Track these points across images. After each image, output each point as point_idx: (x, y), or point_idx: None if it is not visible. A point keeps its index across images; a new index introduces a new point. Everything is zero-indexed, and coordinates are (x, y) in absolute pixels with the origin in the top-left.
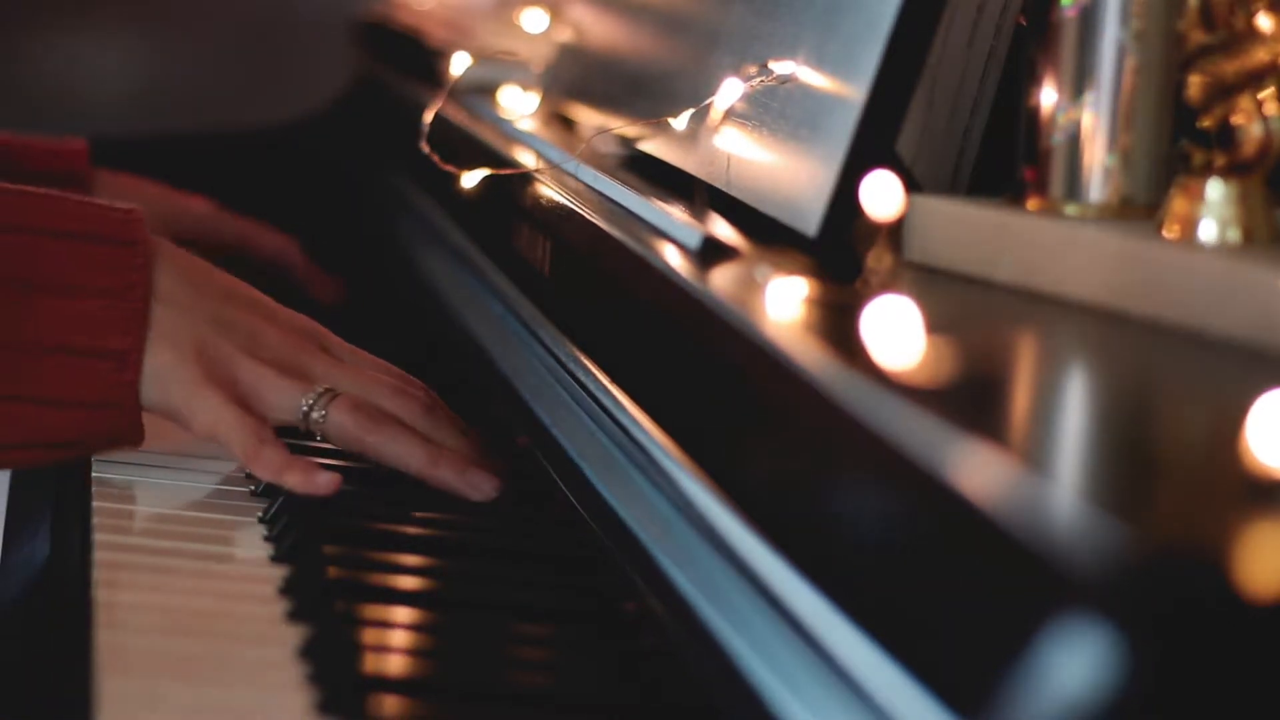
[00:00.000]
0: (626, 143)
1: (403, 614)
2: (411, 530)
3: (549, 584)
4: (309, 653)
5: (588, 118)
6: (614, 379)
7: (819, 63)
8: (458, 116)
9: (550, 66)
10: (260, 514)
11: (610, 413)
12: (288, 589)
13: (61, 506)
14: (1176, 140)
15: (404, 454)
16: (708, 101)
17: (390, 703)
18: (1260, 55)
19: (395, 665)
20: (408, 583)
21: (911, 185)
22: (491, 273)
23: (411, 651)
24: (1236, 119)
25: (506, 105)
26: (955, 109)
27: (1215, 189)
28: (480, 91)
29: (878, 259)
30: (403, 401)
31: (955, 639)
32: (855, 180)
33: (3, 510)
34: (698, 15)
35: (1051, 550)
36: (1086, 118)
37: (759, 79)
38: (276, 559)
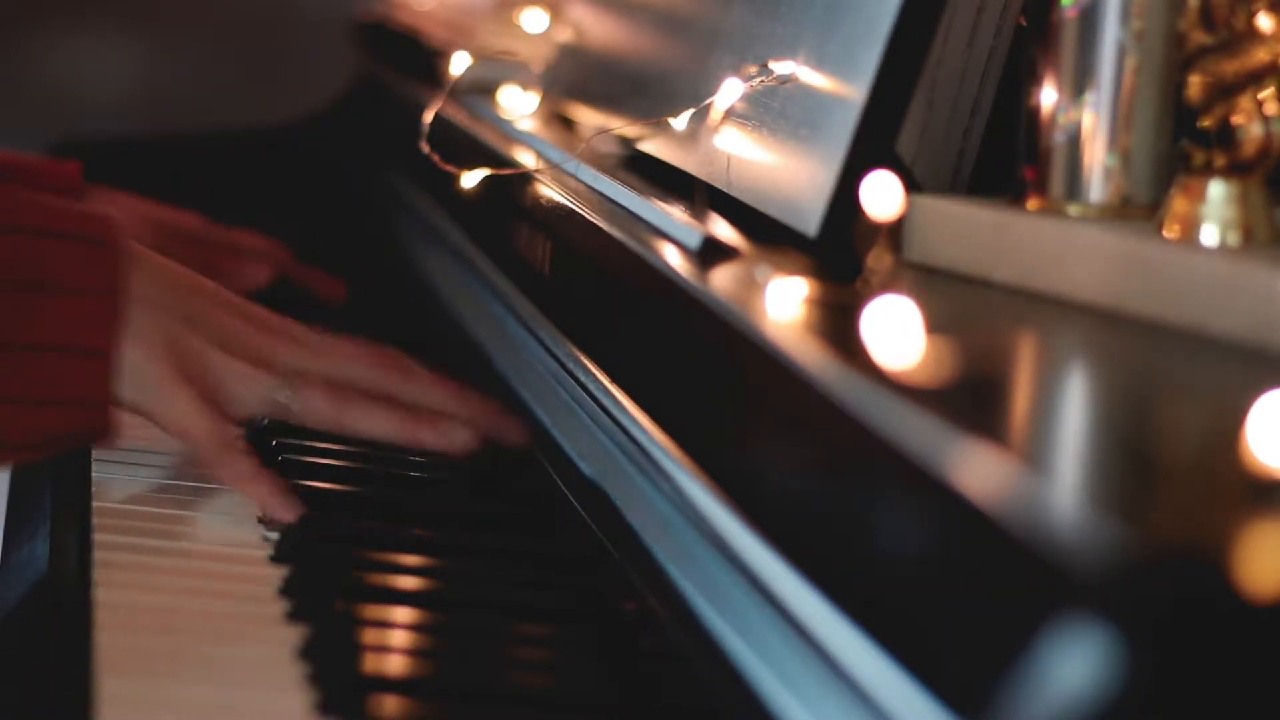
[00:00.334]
0: (626, 143)
1: (403, 614)
2: (411, 530)
3: (549, 584)
4: (309, 653)
5: (588, 118)
6: (614, 379)
7: (819, 63)
8: (458, 116)
9: (550, 66)
10: (260, 514)
11: (610, 413)
12: (288, 589)
13: (61, 507)
14: (1176, 140)
15: (378, 424)
16: (708, 101)
17: (390, 703)
18: (1260, 55)
19: (395, 665)
20: (408, 583)
21: (911, 185)
22: (491, 273)
23: (411, 651)
24: (1236, 119)
25: (506, 105)
26: (955, 109)
27: (1215, 189)
28: (480, 91)
29: (878, 259)
30: (376, 373)
31: (956, 640)
32: (855, 180)
33: (2, 510)
34: (698, 15)
35: (1051, 550)
36: (1087, 118)
37: (759, 79)
38: (276, 559)
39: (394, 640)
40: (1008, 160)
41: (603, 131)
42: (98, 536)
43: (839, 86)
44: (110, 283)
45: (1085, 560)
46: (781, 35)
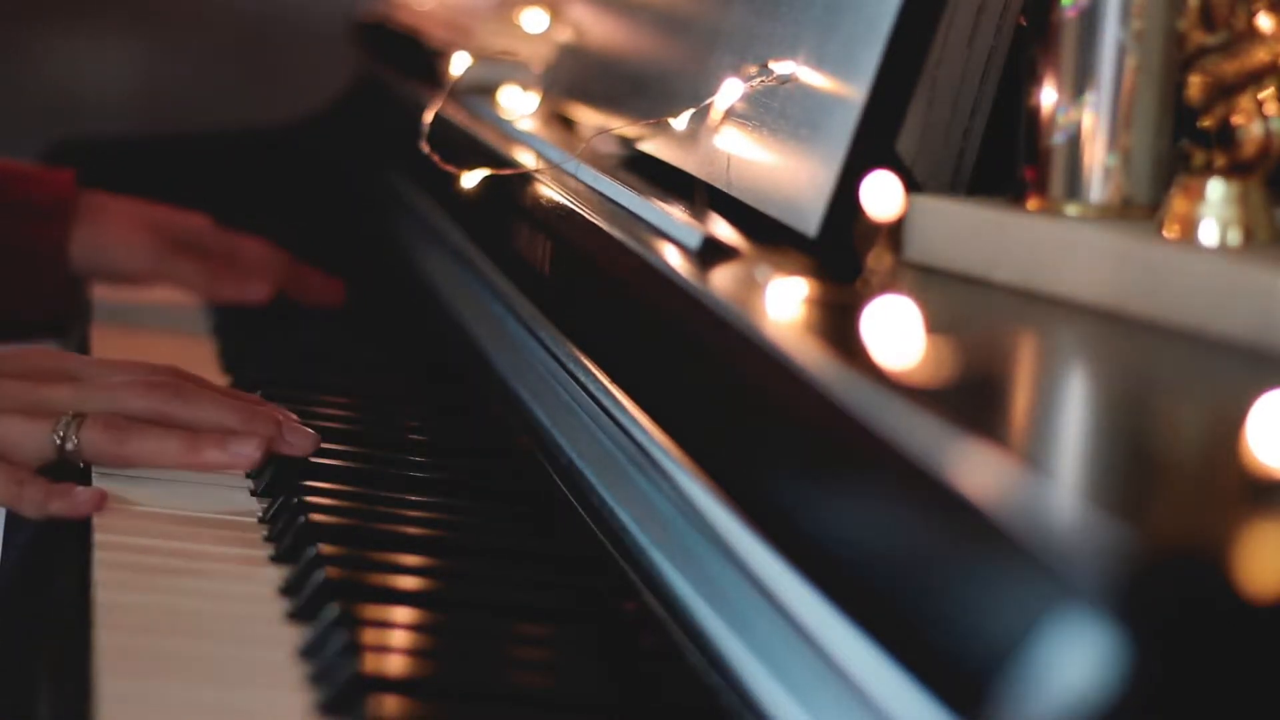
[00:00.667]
0: (626, 143)
1: (403, 614)
2: (411, 530)
3: (549, 584)
4: (309, 653)
5: (588, 118)
6: (614, 379)
7: (819, 63)
8: (458, 116)
9: (550, 66)
10: (260, 514)
11: (610, 413)
12: (288, 589)
13: None
14: (1176, 140)
15: (161, 451)
16: (708, 101)
17: (390, 703)
18: (1260, 55)
19: (395, 665)
20: (408, 583)
21: (911, 185)
22: (491, 273)
23: (411, 651)
24: (1236, 119)
25: (506, 105)
26: (955, 109)
27: (1215, 189)
28: (480, 91)
29: (878, 259)
30: (152, 396)
31: (955, 639)
32: (855, 180)
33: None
34: (698, 15)
35: (1051, 550)
36: (1087, 118)
37: (759, 79)
38: (276, 559)
39: (394, 640)
40: (1008, 160)
41: (603, 131)
42: (98, 536)
43: (839, 86)
44: None
45: (1085, 560)
46: (781, 35)
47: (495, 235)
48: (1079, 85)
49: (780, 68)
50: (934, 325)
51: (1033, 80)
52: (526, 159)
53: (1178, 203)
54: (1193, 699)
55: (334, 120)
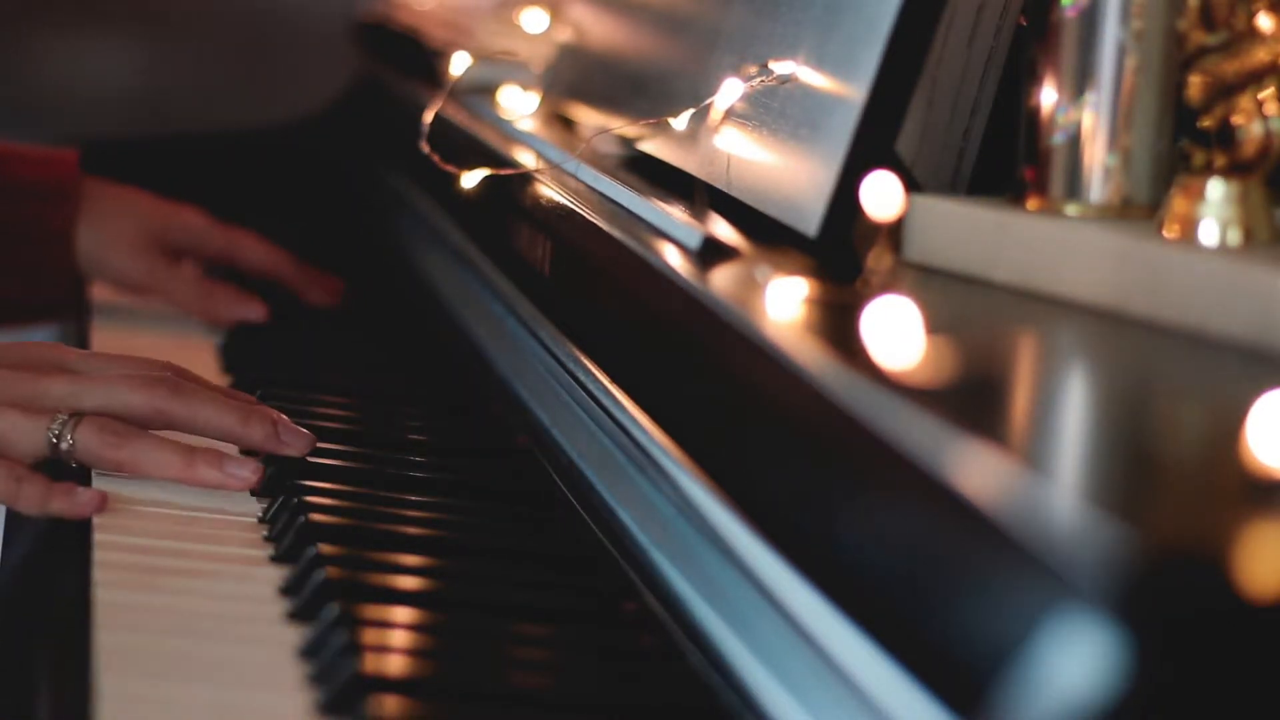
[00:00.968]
0: (626, 143)
1: (403, 614)
2: (411, 530)
3: (549, 584)
4: (309, 653)
5: (588, 118)
6: (614, 379)
7: (819, 63)
8: (458, 116)
9: (550, 66)
10: (260, 514)
11: (610, 413)
12: (288, 589)
13: None
14: (1176, 140)
15: (158, 463)
16: (708, 101)
17: (390, 703)
18: (1260, 55)
19: (395, 665)
20: (408, 583)
21: (911, 185)
22: (491, 273)
23: (411, 651)
24: (1236, 119)
25: (506, 105)
26: (955, 109)
27: (1215, 189)
28: (480, 91)
29: (878, 259)
30: (150, 393)
31: (955, 639)
32: (855, 180)
33: (2, 512)
34: (698, 15)
35: (1051, 550)
36: (1086, 118)
37: (759, 79)
38: (276, 559)
39: (394, 640)
40: (1008, 160)
41: (603, 131)
42: (98, 536)
43: (839, 86)
44: None
45: (1085, 561)
46: (781, 35)
47: (495, 235)
48: (1079, 85)
49: (780, 68)
50: (934, 325)
51: (1033, 80)
52: (526, 159)
53: (1178, 203)
54: (1193, 699)
55: (334, 120)
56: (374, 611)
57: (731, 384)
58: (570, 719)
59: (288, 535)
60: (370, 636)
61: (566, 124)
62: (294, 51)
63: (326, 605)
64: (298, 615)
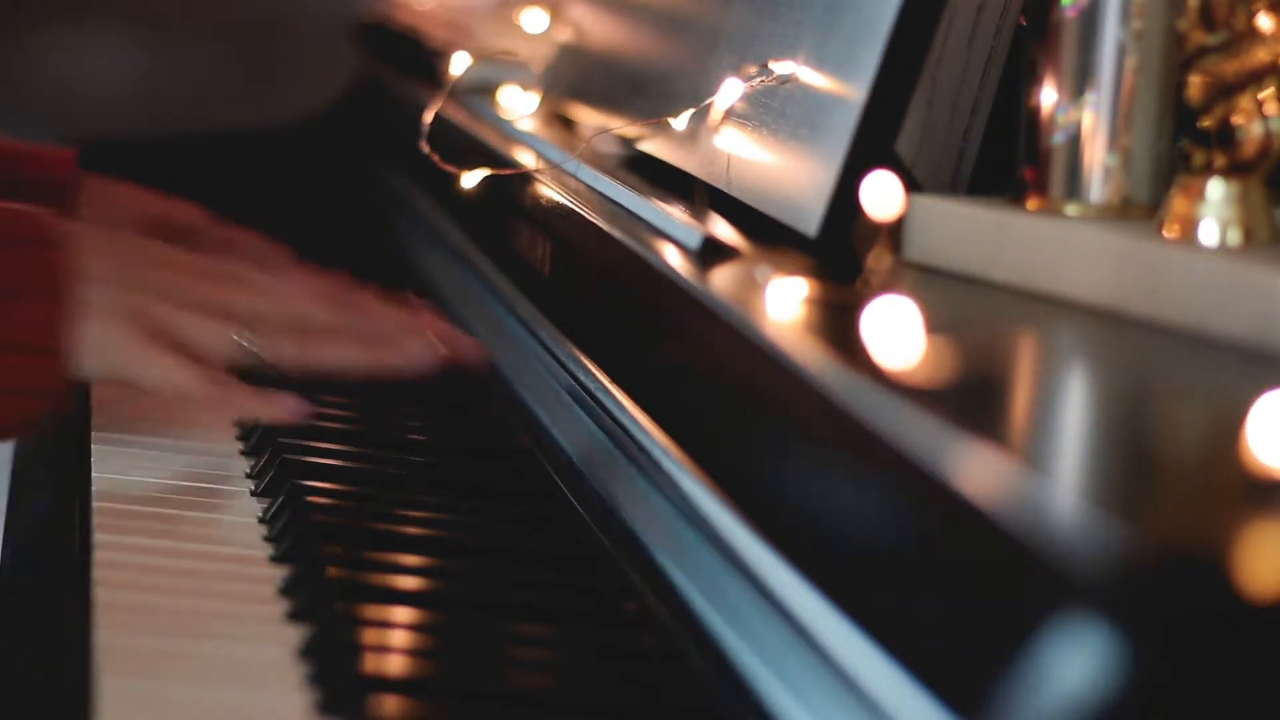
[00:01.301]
0: (626, 143)
1: (403, 614)
2: (411, 530)
3: (549, 584)
4: (309, 653)
5: (588, 118)
6: (614, 379)
7: (819, 63)
8: (458, 116)
9: (550, 66)
10: (260, 514)
11: (610, 413)
12: (288, 589)
13: (61, 506)
14: (1176, 140)
15: (342, 356)
16: (708, 101)
17: (390, 703)
18: (1260, 55)
19: (395, 665)
20: (408, 583)
21: (911, 185)
22: (491, 273)
23: (411, 651)
24: (1236, 119)
25: (506, 105)
26: (955, 109)
27: (1215, 189)
28: (480, 91)
29: (878, 259)
30: (329, 307)
31: (955, 639)
32: (855, 180)
33: (2, 510)
34: (698, 15)
35: (1051, 550)
36: (1086, 118)
37: (759, 79)
38: (276, 559)
39: (394, 640)
40: (1008, 160)
41: (603, 131)
42: (98, 537)
43: (839, 86)
44: (52, 282)
45: (1085, 560)
46: (781, 35)
47: (495, 235)
48: (1079, 85)
49: (780, 68)
50: (934, 325)
51: (1033, 80)
52: (526, 159)
53: (1178, 203)
54: (1193, 699)
55: (334, 120)
56: (374, 611)
57: (731, 384)
58: (570, 719)
59: (288, 535)
60: (370, 636)
61: (566, 124)
62: (294, 52)
63: (326, 605)
64: (298, 615)
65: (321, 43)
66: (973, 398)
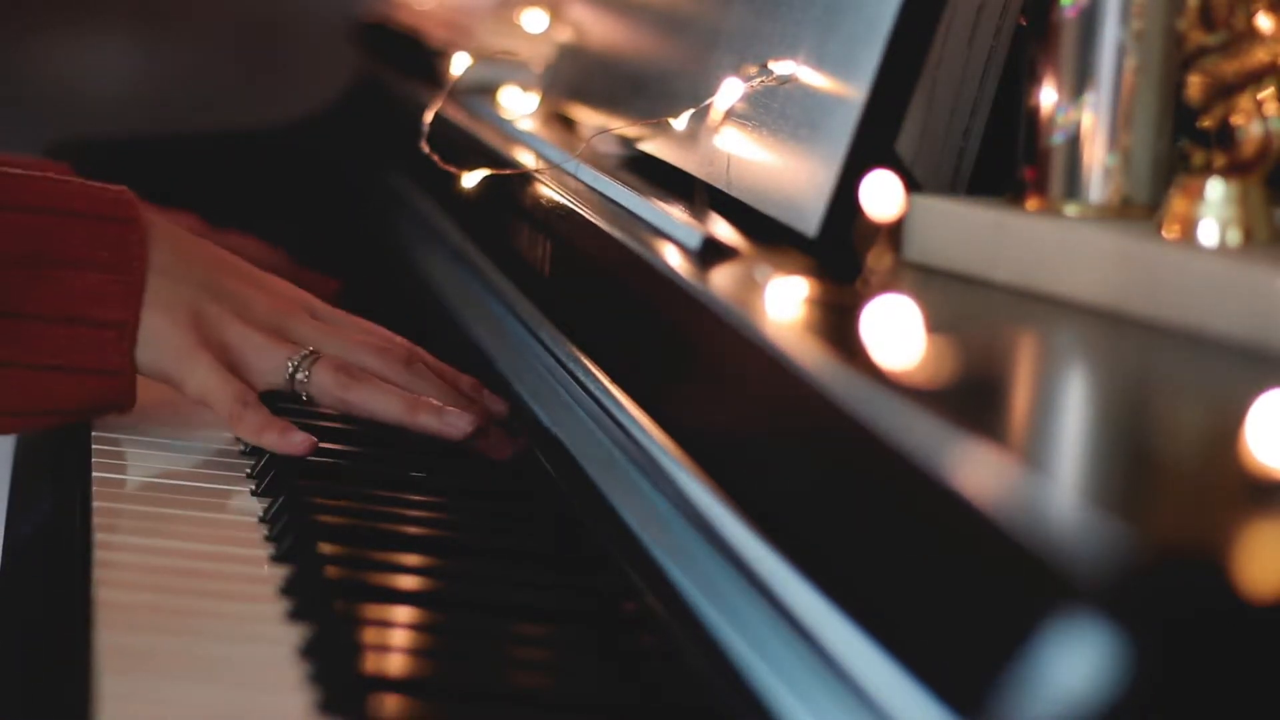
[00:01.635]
0: (626, 143)
1: (403, 614)
2: (411, 530)
3: (549, 584)
4: (309, 653)
5: (588, 118)
6: (614, 379)
7: (819, 63)
8: (458, 116)
9: (550, 66)
10: (260, 514)
11: (610, 413)
12: (288, 589)
13: (62, 505)
14: (1176, 140)
15: (383, 405)
16: (708, 101)
17: (390, 703)
18: (1260, 55)
19: (395, 665)
20: (408, 583)
21: (911, 185)
22: (491, 273)
23: (411, 651)
24: (1236, 119)
25: (506, 105)
26: (955, 109)
27: (1215, 189)
28: (480, 91)
29: (878, 259)
30: (384, 359)
31: (955, 639)
32: (855, 180)
33: (3, 510)
34: (698, 15)
35: (1051, 550)
36: (1086, 118)
37: (759, 79)
38: (276, 559)
39: (394, 640)
40: (1008, 160)
41: (603, 131)
42: (98, 536)
43: (839, 86)
44: (128, 257)
45: (1085, 560)
46: (781, 35)
47: (495, 235)
48: (1079, 85)
49: (780, 68)
50: (934, 325)
51: (1033, 80)
52: (526, 159)
53: (1177, 203)
54: (1192, 699)
55: (334, 120)
56: (374, 611)
57: (731, 384)
58: (570, 719)
59: (288, 535)
60: (370, 636)
61: (566, 124)
62: (294, 51)
63: (326, 605)
64: (298, 615)
65: (321, 43)
66: (972, 398)
